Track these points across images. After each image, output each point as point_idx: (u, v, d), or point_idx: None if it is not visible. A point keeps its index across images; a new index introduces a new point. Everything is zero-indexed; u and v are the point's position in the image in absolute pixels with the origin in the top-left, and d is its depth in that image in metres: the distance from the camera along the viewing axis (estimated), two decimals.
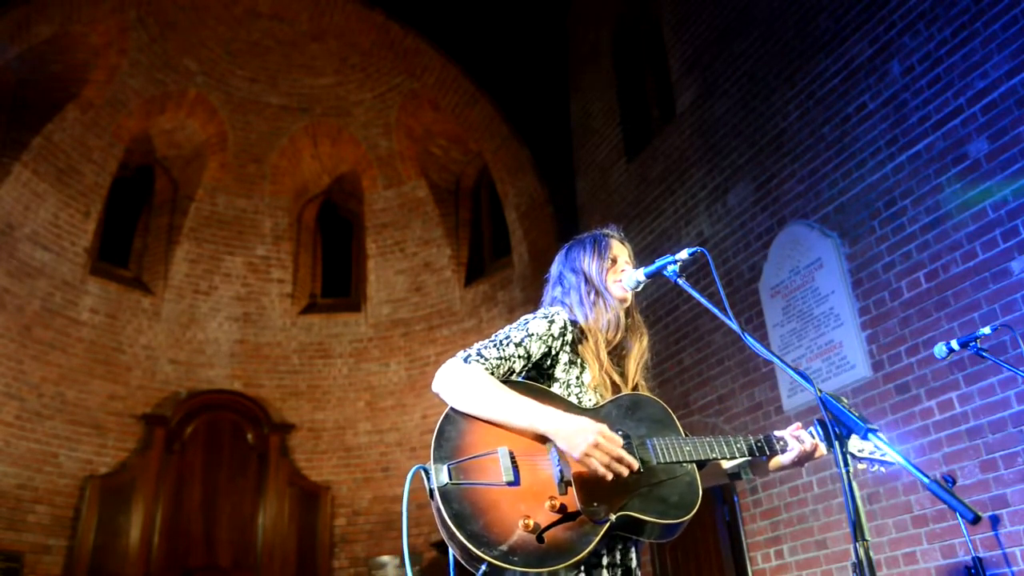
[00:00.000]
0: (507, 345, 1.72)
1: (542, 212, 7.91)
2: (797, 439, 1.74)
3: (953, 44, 4.04)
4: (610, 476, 1.54)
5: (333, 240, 9.76)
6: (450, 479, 1.52)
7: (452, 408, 1.65)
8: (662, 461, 1.63)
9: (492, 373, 1.68)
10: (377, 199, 9.30)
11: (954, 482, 3.61)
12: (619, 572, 1.66)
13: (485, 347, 1.73)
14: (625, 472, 1.55)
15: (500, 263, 8.75)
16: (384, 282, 9.08)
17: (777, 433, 1.73)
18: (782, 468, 1.78)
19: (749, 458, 1.77)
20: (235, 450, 8.06)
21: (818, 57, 4.90)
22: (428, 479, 1.53)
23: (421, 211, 9.20)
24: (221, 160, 8.93)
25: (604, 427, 1.57)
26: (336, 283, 9.51)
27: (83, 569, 6.94)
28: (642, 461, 1.62)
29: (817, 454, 1.78)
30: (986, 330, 2.72)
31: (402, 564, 7.63)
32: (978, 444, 3.61)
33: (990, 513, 3.48)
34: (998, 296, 3.63)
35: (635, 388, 1.86)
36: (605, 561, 1.64)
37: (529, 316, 1.80)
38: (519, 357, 1.72)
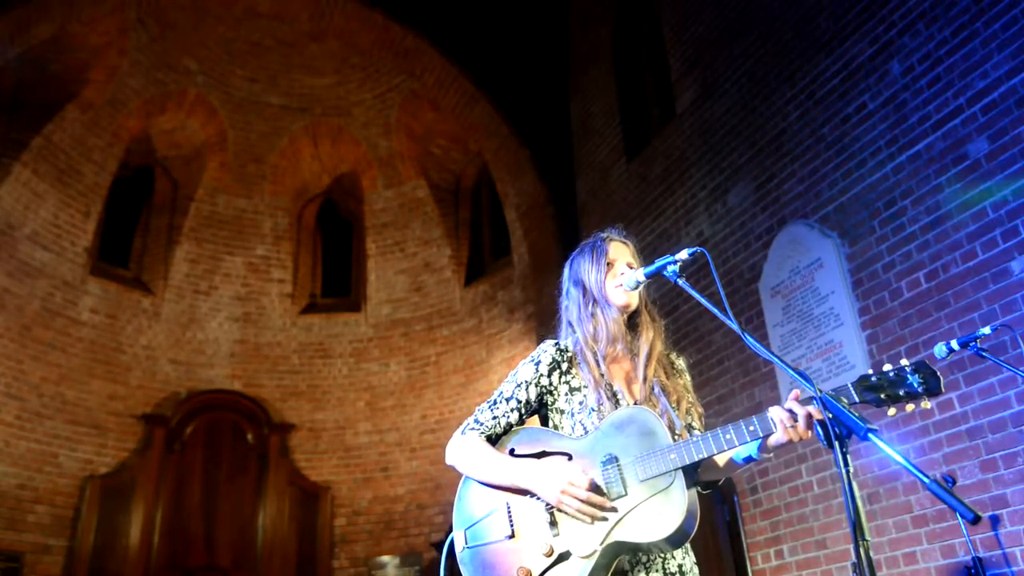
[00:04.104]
0: (500, 403, 1.86)
1: (542, 212, 7.91)
2: (783, 423, 1.57)
3: (953, 44, 4.04)
4: (588, 520, 1.62)
5: (333, 240, 9.76)
6: (466, 543, 1.73)
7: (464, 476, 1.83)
8: (645, 478, 1.62)
9: (492, 433, 1.84)
10: (377, 199, 9.31)
11: (954, 482, 3.61)
12: None
13: (481, 411, 1.87)
14: (597, 513, 1.61)
15: (500, 263, 8.75)
16: (384, 282, 9.08)
17: (771, 412, 1.64)
18: (781, 445, 1.65)
19: (744, 444, 1.66)
20: (235, 450, 8.06)
21: (818, 57, 4.90)
22: (454, 548, 1.76)
23: (421, 211, 9.20)
24: (221, 160, 8.93)
25: (573, 472, 1.65)
26: (336, 283, 9.51)
27: (83, 569, 6.95)
28: (625, 482, 1.63)
29: (810, 424, 1.56)
30: (986, 330, 2.71)
31: (403, 564, 7.63)
32: (978, 444, 3.61)
33: (990, 513, 3.48)
34: (998, 296, 3.63)
35: (651, 389, 1.84)
36: None
37: (522, 362, 1.91)
38: (514, 409, 1.86)
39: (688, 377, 1.98)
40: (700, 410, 1.91)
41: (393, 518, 8.03)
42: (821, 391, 1.45)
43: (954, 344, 2.71)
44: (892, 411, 1.54)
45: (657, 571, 1.69)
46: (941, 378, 1.53)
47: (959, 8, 4.03)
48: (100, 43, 7.75)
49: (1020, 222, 3.59)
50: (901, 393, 1.52)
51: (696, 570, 1.78)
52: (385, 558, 7.71)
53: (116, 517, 7.32)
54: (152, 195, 9.03)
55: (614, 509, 1.62)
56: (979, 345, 2.68)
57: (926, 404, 1.53)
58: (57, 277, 7.60)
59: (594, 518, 1.61)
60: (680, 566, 1.74)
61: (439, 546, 7.34)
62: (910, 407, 1.53)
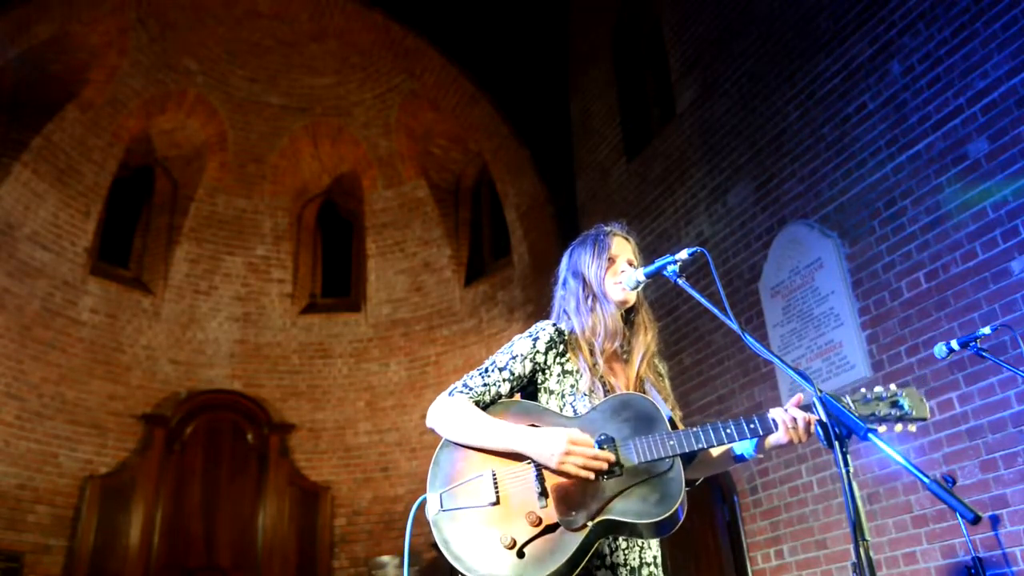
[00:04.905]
0: (492, 371, 1.80)
1: (542, 212, 7.91)
2: (785, 424, 1.62)
3: (953, 44, 4.04)
4: (591, 476, 1.58)
5: (333, 240, 9.76)
6: (442, 506, 1.64)
7: (445, 439, 1.75)
8: (643, 460, 1.61)
9: (480, 400, 1.77)
10: (377, 199, 9.30)
11: (954, 482, 3.62)
12: (624, 572, 1.67)
13: (471, 377, 1.81)
14: (604, 466, 1.58)
15: (500, 263, 8.75)
16: (384, 282, 9.08)
17: (772, 413, 1.64)
18: (779, 446, 1.69)
19: (743, 440, 1.68)
20: (235, 450, 8.06)
21: (818, 57, 4.90)
22: (427, 510, 1.67)
23: (421, 211, 9.20)
24: (221, 160, 8.93)
25: (574, 431, 1.62)
26: (336, 283, 9.51)
27: (83, 569, 6.94)
28: (621, 463, 1.61)
29: (810, 430, 1.63)
30: (986, 330, 2.71)
31: (402, 564, 7.63)
32: (978, 444, 3.61)
33: (990, 513, 3.49)
34: (998, 296, 3.63)
35: (641, 384, 1.86)
36: (608, 562, 1.66)
37: (517, 336, 1.87)
38: (505, 380, 1.79)
39: (668, 383, 1.99)
40: (679, 413, 1.92)
41: (393, 518, 8.03)
42: (821, 391, 1.46)
43: (954, 344, 2.71)
44: (882, 429, 1.58)
45: (634, 559, 1.70)
46: (927, 405, 1.59)
47: (959, 8, 4.03)
48: (100, 43, 7.74)
49: (1020, 222, 3.59)
50: (891, 413, 1.58)
51: (662, 564, 1.80)
52: (385, 558, 7.70)
53: (116, 517, 7.32)
54: (152, 195, 9.03)
55: (617, 479, 1.60)
56: (979, 345, 2.69)
57: (912, 427, 1.57)
58: (57, 277, 7.60)
59: (595, 484, 1.58)
60: (655, 557, 1.75)
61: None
62: (899, 428, 1.58)
